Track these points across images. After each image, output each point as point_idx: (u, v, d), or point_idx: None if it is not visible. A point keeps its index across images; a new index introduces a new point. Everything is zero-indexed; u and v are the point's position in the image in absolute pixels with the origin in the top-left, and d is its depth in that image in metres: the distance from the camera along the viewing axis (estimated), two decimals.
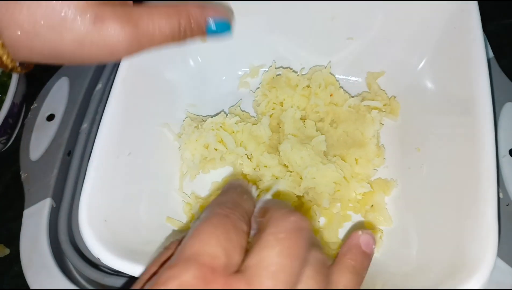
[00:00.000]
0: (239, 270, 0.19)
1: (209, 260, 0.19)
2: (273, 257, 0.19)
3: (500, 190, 0.41)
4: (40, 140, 0.49)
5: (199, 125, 0.40)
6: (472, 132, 0.32)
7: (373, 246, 0.24)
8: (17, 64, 0.29)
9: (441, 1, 0.38)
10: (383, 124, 0.42)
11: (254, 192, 0.25)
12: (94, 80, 0.52)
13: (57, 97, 0.52)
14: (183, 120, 0.41)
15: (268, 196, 0.24)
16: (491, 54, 0.48)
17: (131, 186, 0.36)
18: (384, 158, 0.41)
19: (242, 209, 0.22)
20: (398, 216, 0.38)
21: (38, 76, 0.57)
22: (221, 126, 0.40)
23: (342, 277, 0.22)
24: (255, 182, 0.38)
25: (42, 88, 0.53)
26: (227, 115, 0.41)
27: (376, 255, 0.36)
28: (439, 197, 0.34)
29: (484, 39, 0.48)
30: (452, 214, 0.31)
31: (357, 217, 0.39)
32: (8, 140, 0.52)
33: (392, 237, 0.37)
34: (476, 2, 0.35)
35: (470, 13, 0.35)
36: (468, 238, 0.29)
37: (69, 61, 0.27)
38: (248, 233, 0.21)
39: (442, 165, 0.35)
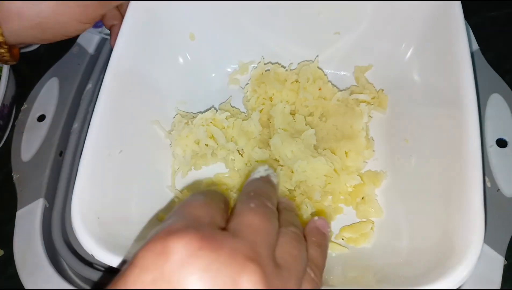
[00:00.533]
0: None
1: (194, 217, 0.21)
2: (250, 219, 0.22)
3: (488, 179, 0.41)
4: (31, 141, 0.49)
5: (190, 122, 0.40)
6: (458, 123, 0.33)
7: (328, 229, 0.28)
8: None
9: None
10: (371, 117, 0.43)
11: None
12: (84, 81, 0.52)
13: (47, 98, 0.52)
14: (174, 117, 0.42)
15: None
16: (476, 47, 0.49)
17: (123, 183, 0.36)
18: (374, 151, 0.41)
19: (219, 193, 0.25)
20: (389, 207, 0.38)
21: (27, 77, 0.57)
22: (211, 122, 0.40)
23: (311, 250, 0.25)
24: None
25: (31, 90, 0.53)
26: (217, 111, 0.42)
27: (368, 246, 0.37)
28: (428, 186, 0.34)
29: (469, 31, 0.49)
30: (441, 203, 0.32)
31: (348, 209, 0.40)
32: None
33: (383, 228, 0.37)
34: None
35: (453, 6, 0.36)
36: (456, 225, 0.29)
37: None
38: (227, 211, 0.24)
39: (430, 156, 0.36)
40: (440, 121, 0.36)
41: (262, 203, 0.24)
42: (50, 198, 0.47)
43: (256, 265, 0.19)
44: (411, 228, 0.35)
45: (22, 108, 0.52)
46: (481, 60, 0.48)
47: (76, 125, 0.50)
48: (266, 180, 0.27)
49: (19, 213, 0.46)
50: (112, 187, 0.35)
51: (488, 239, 0.38)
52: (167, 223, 0.20)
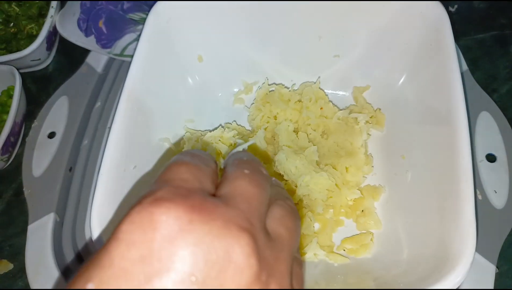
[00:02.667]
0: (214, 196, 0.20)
1: (182, 183, 0.19)
2: (244, 186, 0.20)
3: (479, 192, 0.44)
4: (42, 157, 0.51)
5: (199, 140, 0.42)
6: (450, 140, 0.35)
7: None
8: None
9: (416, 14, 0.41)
10: (370, 135, 0.45)
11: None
12: (93, 99, 0.54)
13: (57, 115, 0.54)
14: (183, 135, 0.44)
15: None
16: (466, 67, 0.52)
17: (137, 196, 0.38)
18: (372, 166, 0.44)
19: (211, 156, 0.23)
20: (387, 219, 0.41)
21: (37, 95, 0.59)
22: (219, 140, 0.42)
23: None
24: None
25: (41, 107, 0.55)
26: (224, 129, 0.44)
27: (368, 256, 0.39)
28: (423, 199, 0.37)
29: (458, 53, 0.52)
30: (435, 214, 0.34)
31: (349, 222, 0.42)
32: (9, 158, 0.53)
33: (382, 239, 0.40)
34: (448, 21, 0.39)
35: (444, 31, 0.39)
36: (450, 235, 0.32)
37: None
38: (216, 173, 0.22)
39: (425, 170, 0.38)
40: (434, 139, 0.38)
41: (256, 169, 0.22)
42: (61, 213, 0.48)
43: (249, 236, 0.17)
44: (408, 239, 0.37)
45: (32, 125, 0.54)
46: (470, 80, 0.51)
47: (86, 142, 0.52)
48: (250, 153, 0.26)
49: (30, 227, 0.47)
50: (128, 201, 0.37)
51: (480, 249, 0.40)
52: (152, 190, 0.18)
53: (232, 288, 0.16)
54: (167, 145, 0.43)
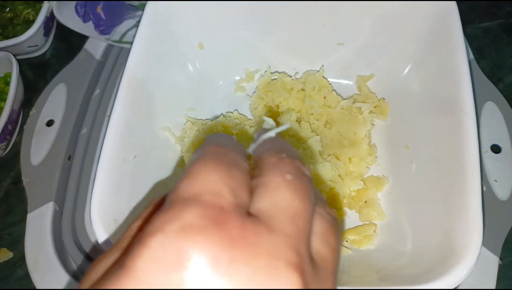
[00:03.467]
0: (250, 214, 0.16)
1: (213, 198, 0.15)
2: (288, 200, 0.16)
3: (483, 184, 0.44)
4: (40, 146, 0.50)
5: (200, 129, 0.41)
6: (456, 130, 0.35)
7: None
8: None
9: (425, 1, 0.40)
10: (374, 125, 0.45)
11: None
12: (92, 86, 0.53)
13: (55, 103, 0.53)
14: (184, 124, 0.43)
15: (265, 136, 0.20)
16: (471, 56, 0.51)
17: (137, 186, 0.37)
18: (376, 157, 0.43)
19: (239, 147, 0.19)
20: (391, 210, 0.40)
21: (34, 82, 0.58)
22: (221, 129, 0.42)
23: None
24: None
25: (38, 95, 0.54)
26: (225, 118, 0.43)
27: (371, 247, 0.39)
28: (428, 191, 0.36)
29: (465, 42, 0.51)
30: (441, 207, 0.34)
31: (352, 213, 0.41)
32: (7, 146, 0.53)
33: (385, 231, 0.39)
34: (457, 9, 0.38)
35: (452, 19, 0.38)
36: (456, 228, 0.31)
37: None
38: (250, 174, 0.18)
39: (430, 162, 0.38)
40: (439, 129, 0.37)
41: (301, 171, 0.17)
42: (60, 202, 0.48)
43: (299, 275, 0.14)
44: (412, 231, 0.37)
45: (30, 113, 0.53)
46: (476, 69, 0.50)
47: (84, 130, 0.51)
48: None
49: (30, 216, 0.47)
50: (128, 190, 0.36)
51: (484, 240, 0.40)
52: (177, 209, 0.14)
53: None
54: (167, 134, 0.42)
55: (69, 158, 0.50)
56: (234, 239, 0.14)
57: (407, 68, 0.44)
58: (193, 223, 0.14)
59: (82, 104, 0.52)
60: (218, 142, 0.19)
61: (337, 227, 0.19)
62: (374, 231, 0.39)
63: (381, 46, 0.45)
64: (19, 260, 0.48)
